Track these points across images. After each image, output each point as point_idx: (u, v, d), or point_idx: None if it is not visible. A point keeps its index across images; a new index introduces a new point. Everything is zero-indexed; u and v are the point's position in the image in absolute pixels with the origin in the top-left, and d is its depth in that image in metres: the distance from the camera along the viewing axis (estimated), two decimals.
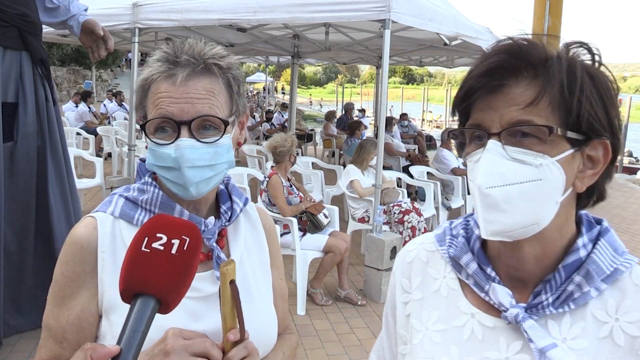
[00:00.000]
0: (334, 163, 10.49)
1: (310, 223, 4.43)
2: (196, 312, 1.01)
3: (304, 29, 7.49)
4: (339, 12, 4.74)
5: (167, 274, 0.75)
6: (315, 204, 4.54)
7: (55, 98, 3.10)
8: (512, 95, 0.77)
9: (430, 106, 38.15)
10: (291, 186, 4.61)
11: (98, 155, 8.71)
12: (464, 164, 0.88)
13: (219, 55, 1.03)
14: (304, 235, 4.39)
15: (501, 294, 0.82)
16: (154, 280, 0.74)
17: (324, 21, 6.25)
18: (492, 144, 0.77)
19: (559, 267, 0.80)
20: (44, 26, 3.02)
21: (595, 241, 0.82)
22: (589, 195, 0.84)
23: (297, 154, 5.20)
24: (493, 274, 0.85)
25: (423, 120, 33.16)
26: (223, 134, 1.00)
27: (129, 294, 0.75)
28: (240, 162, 9.74)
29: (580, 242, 0.81)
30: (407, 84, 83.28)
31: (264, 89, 30.54)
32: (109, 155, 9.52)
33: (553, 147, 0.76)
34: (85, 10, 3.09)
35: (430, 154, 10.37)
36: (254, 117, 14.26)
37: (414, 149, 10.45)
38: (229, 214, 1.10)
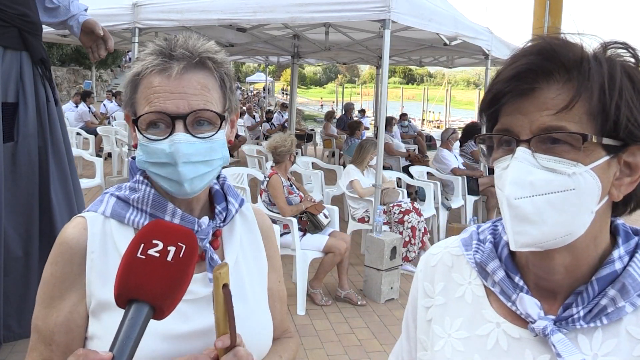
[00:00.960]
0: (334, 163, 10.50)
1: (310, 223, 4.43)
2: (186, 314, 0.99)
3: (304, 29, 7.49)
4: (339, 12, 4.74)
5: (161, 281, 0.75)
6: (315, 204, 4.54)
7: (56, 98, 3.09)
8: (544, 99, 0.72)
9: (430, 106, 38.16)
10: (291, 186, 4.61)
11: (98, 156, 8.71)
12: (490, 170, 0.86)
13: (213, 50, 1.01)
14: (304, 235, 4.39)
15: (529, 304, 0.78)
16: (148, 287, 0.74)
17: (324, 21, 6.25)
18: (522, 151, 0.72)
19: (592, 279, 0.76)
20: (44, 26, 3.02)
21: (632, 253, 0.78)
22: (626, 204, 0.80)
23: (297, 154, 5.20)
24: (521, 282, 0.81)
25: (423, 120, 33.16)
26: (218, 129, 0.99)
27: (123, 299, 0.75)
28: (240, 162, 9.75)
29: (616, 253, 0.77)
30: (407, 84, 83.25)
31: (264, 89, 30.55)
32: (109, 155, 9.53)
33: (587, 154, 0.72)
34: (85, 10, 3.09)
35: (430, 154, 10.37)
36: (253, 117, 14.25)
37: (414, 149, 10.45)
38: (224, 214, 1.08)
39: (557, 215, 0.72)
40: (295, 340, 1.23)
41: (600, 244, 0.77)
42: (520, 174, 0.72)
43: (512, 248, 0.74)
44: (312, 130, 14.31)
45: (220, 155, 1.01)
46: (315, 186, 6.60)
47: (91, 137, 9.74)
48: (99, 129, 10.32)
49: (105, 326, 0.97)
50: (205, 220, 1.04)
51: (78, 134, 10.00)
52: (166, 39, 1.01)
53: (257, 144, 10.02)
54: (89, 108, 12.09)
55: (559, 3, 10.51)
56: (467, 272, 0.90)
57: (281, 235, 4.22)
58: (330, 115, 13.15)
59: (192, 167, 0.96)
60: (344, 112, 13.77)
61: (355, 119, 12.52)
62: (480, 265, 0.87)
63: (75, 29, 3.00)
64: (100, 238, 1.01)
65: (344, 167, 6.50)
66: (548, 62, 0.72)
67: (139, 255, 0.76)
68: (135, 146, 1.01)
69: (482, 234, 0.90)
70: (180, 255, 0.77)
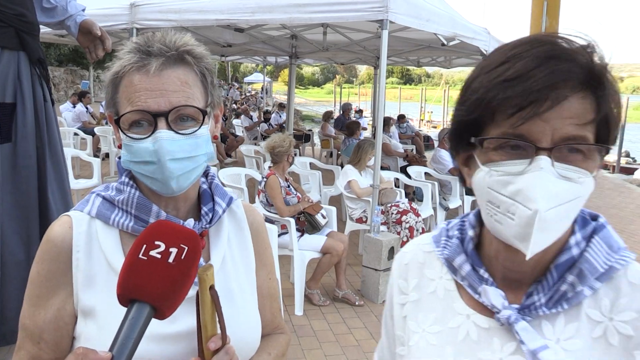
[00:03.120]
0: (332, 163, 10.49)
1: (308, 223, 4.42)
2: (173, 315, 1.00)
3: (302, 30, 7.49)
4: (337, 13, 4.74)
5: (162, 282, 0.75)
6: (313, 205, 4.54)
7: (52, 98, 3.08)
8: (568, 107, 0.71)
9: (428, 107, 38.18)
10: (289, 186, 4.61)
11: (95, 156, 8.69)
12: (462, 168, 0.84)
13: (192, 44, 1.00)
14: (301, 235, 4.39)
15: (493, 295, 0.81)
16: (149, 288, 0.75)
17: (322, 21, 6.25)
18: (545, 161, 0.71)
19: (551, 266, 0.79)
20: (41, 26, 3.01)
21: (589, 239, 0.80)
22: None
23: (295, 154, 5.20)
24: (486, 275, 0.84)
25: (421, 120, 33.18)
26: (201, 125, 0.98)
27: (124, 299, 0.76)
28: (238, 162, 9.74)
29: (572, 240, 0.79)
30: (405, 84, 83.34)
31: (263, 89, 30.54)
32: (107, 155, 9.51)
33: (593, 162, 0.74)
34: (83, 10, 3.09)
35: (428, 154, 10.38)
36: (251, 117, 14.24)
37: (412, 149, 10.46)
38: (210, 215, 1.07)
39: (566, 222, 0.74)
40: (285, 337, 1.22)
41: (565, 233, 0.79)
42: (547, 184, 0.71)
43: (529, 256, 0.73)
44: (310, 130, 14.29)
45: (205, 151, 1.00)
46: (313, 186, 6.60)
47: (89, 138, 9.72)
48: (97, 129, 10.30)
49: (90, 329, 0.97)
50: (190, 222, 1.04)
51: (75, 134, 9.98)
52: (144, 36, 1.00)
53: (255, 145, 10.01)
54: (87, 108, 12.06)
55: (556, 3, 10.56)
56: (438, 267, 0.93)
57: (279, 235, 4.22)
58: (328, 116, 13.15)
59: (177, 164, 0.95)
60: (341, 113, 13.76)
61: (353, 119, 12.52)
62: (448, 260, 0.89)
63: (73, 29, 3.00)
64: (85, 238, 1.01)
65: (342, 167, 6.50)
66: (576, 69, 0.71)
67: (140, 256, 0.76)
68: (121, 146, 1.00)
69: (451, 231, 0.92)
70: (182, 257, 0.77)
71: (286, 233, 4.29)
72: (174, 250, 0.77)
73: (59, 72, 22.97)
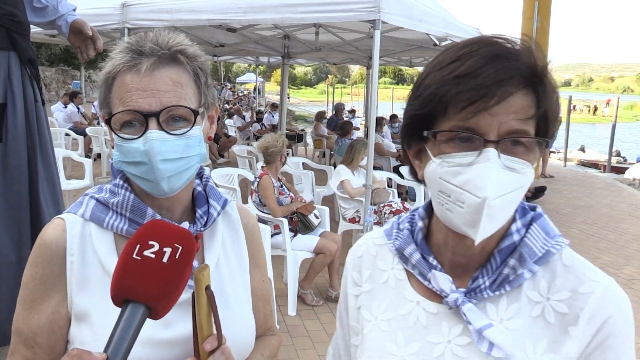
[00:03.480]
0: (325, 163, 10.50)
1: (301, 223, 4.42)
2: (168, 319, 0.96)
3: (294, 30, 7.48)
4: (329, 13, 4.74)
5: (157, 282, 0.75)
6: (306, 205, 4.54)
7: (43, 98, 3.06)
8: (512, 103, 0.77)
9: None
10: (282, 186, 4.61)
11: (87, 156, 8.64)
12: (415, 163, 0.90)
13: (185, 44, 0.99)
14: (294, 236, 4.39)
15: (442, 280, 0.86)
16: (143, 288, 0.75)
17: (314, 22, 6.25)
18: (492, 152, 0.76)
19: (494, 252, 0.85)
20: (32, 26, 2.99)
21: (528, 226, 0.86)
22: None
23: (288, 154, 5.19)
24: (435, 262, 0.89)
25: None
26: (193, 125, 0.97)
27: (119, 299, 0.76)
28: (231, 162, 9.72)
29: (514, 227, 0.85)
30: (397, 84, 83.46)
31: (255, 89, 30.49)
32: (98, 156, 9.45)
33: (534, 154, 0.80)
34: (74, 10, 3.07)
35: None
36: (243, 117, 14.21)
37: None
38: (205, 218, 1.06)
39: (510, 210, 0.80)
40: (277, 338, 1.23)
41: (507, 221, 0.85)
42: (494, 174, 0.76)
43: (478, 241, 0.79)
44: (303, 130, 14.29)
45: (197, 152, 0.99)
46: (305, 186, 6.59)
47: (80, 138, 9.67)
48: (88, 130, 10.24)
49: (84, 332, 0.96)
50: (185, 225, 1.03)
51: (67, 134, 9.93)
52: (137, 35, 0.99)
53: (248, 145, 10.00)
54: (78, 109, 11.99)
55: (547, 4, 10.61)
56: (390, 259, 0.98)
57: (272, 235, 4.21)
58: (320, 116, 13.15)
59: (168, 165, 0.95)
60: (334, 113, 13.76)
61: (345, 119, 12.53)
62: (399, 250, 0.94)
63: (64, 29, 2.98)
64: (79, 241, 1.00)
65: (335, 167, 6.51)
66: (521, 67, 0.77)
67: (134, 256, 0.76)
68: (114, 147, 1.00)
69: (402, 224, 0.97)
70: (177, 257, 0.77)
71: (279, 233, 4.28)
72: (168, 250, 0.77)
73: (50, 72, 22.84)
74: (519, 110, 0.77)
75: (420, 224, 0.93)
